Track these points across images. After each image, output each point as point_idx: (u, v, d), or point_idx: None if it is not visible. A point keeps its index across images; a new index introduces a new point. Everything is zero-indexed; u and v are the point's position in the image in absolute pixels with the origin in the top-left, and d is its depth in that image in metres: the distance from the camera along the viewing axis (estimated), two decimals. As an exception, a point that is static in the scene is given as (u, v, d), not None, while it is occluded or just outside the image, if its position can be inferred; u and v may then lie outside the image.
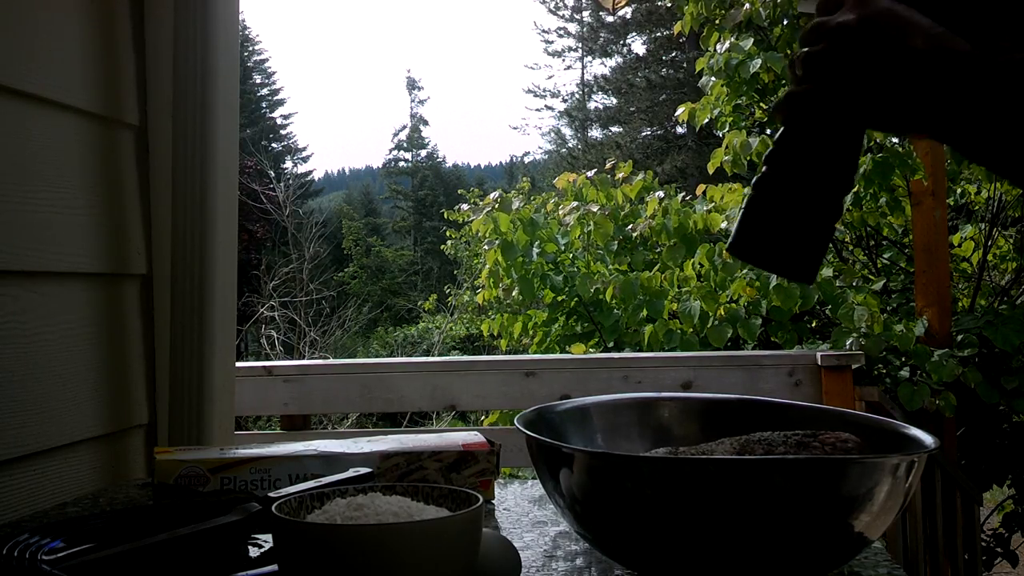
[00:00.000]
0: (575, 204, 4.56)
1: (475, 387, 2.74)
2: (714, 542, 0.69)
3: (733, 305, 3.81)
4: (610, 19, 23.58)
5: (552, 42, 26.97)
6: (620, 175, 4.82)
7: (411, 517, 0.65)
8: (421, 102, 42.35)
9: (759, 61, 4.27)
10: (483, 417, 4.46)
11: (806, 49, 0.61)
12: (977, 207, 4.70)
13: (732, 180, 4.71)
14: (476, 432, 1.16)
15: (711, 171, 4.26)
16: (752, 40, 4.37)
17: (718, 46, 4.47)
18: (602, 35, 24.81)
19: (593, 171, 4.87)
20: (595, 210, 4.43)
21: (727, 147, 4.12)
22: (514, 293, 4.51)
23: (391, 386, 2.68)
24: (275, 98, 31.77)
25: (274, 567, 0.74)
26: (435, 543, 0.63)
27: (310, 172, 33.20)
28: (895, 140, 3.86)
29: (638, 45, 23.63)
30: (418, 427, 7.77)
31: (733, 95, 4.52)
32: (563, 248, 4.60)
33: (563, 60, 27.15)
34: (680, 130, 20.60)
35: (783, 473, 0.68)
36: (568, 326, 4.55)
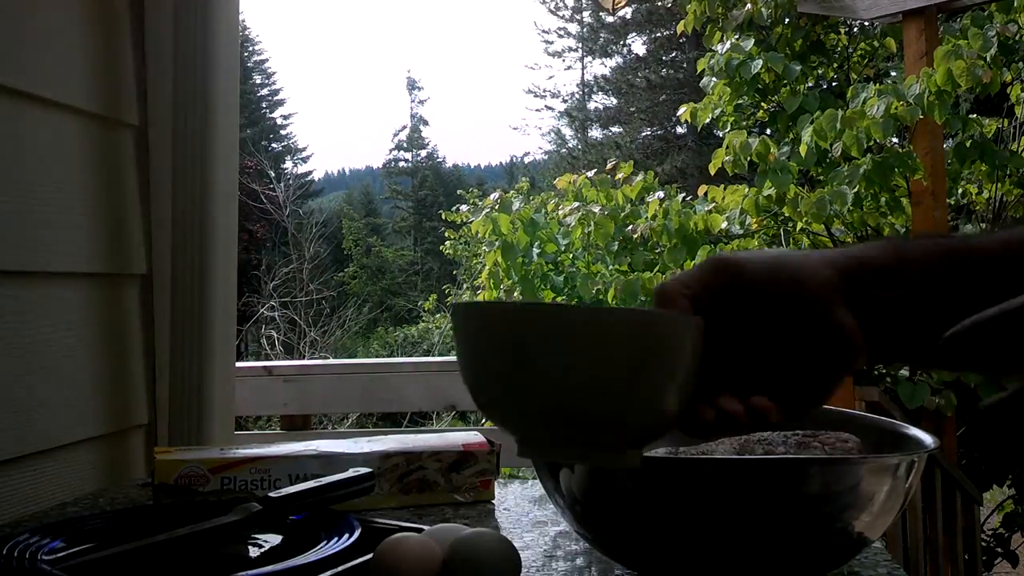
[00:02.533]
0: (576, 204, 4.56)
1: (475, 387, 2.74)
2: (714, 542, 0.69)
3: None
4: (610, 19, 23.59)
5: (552, 42, 27.00)
6: (621, 175, 4.83)
7: None
8: (421, 102, 42.39)
9: (760, 62, 4.28)
10: (483, 417, 4.45)
11: None
12: (978, 207, 4.71)
13: (733, 180, 4.71)
14: (476, 432, 1.16)
15: (712, 171, 4.26)
16: (753, 40, 4.38)
17: (719, 46, 4.48)
18: (602, 35, 24.82)
19: (594, 171, 4.88)
20: (596, 210, 4.43)
21: (728, 147, 4.12)
22: (515, 294, 4.51)
23: (391, 386, 2.68)
24: (275, 98, 31.78)
25: (274, 567, 0.74)
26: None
27: (310, 172, 33.24)
28: (895, 140, 3.87)
29: (638, 45, 23.65)
30: (418, 427, 7.77)
31: (734, 95, 4.53)
32: (563, 248, 4.60)
33: (563, 60, 27.17)
34: (680, 130, 20.62)
35: (783, 473, 0.68)
36: (568, 326, 4.54)
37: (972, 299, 0.55)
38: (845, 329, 0.59)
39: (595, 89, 25.66)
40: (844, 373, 0.61)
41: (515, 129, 60.71)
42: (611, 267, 4.55)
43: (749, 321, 0.60)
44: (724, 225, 4.24)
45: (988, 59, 3.61)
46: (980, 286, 0.58)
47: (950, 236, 0.64)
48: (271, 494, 0.84)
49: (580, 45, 26.41)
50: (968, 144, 4.10)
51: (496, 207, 4.65)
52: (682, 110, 4.76)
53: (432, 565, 0.71)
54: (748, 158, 4.04)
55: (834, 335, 0.59)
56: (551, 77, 42.81)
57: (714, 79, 4.55)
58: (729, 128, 4.50)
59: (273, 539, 0.84)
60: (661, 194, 4.55)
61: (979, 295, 0.55)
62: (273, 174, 14.99)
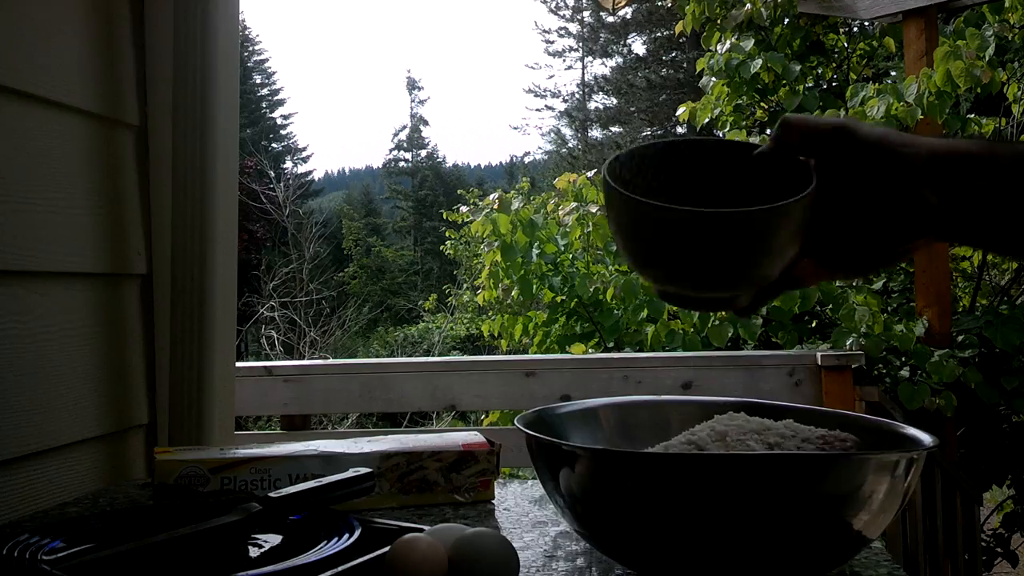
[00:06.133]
0: (574, 205, 4.55)
1: (475, 387, 2.74)
2: (714, 541, 0.69)
3: (733, 305, 3.80)
4: (610, 19, 23.59)
5: (553, 42, 27.01)
6: (620, 175, 4.82)
7: None
8: (421, 102, 42.42)
9: (760, 61, 4.27)
10: (483, 417, 4.46)
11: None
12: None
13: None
14: (476, 432, 1.16)
15: (711, 171, 4.25)
16: (753, 40, 4.38)
17: (719, 46, 4.47)
18: (602, 35, 24.82)
19: (593, 171, 4.87)
20: (594, 211, 4.42)
21: (727, 147, 4.11)
22: (513, 293, 4.51)
23: (391, 386, 2.68)
24: (275, 98, 31.79)
25: (274, 567, 0.74)
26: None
27: (310, 172, 33.25)
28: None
29: (638, 45, 23.66)
30: (418, 427, 7.77)
31: (734, 95, 4.53)
32: (563, 249, 4.60)
33: (563, 60, 27.19)
34: (680, 130, 20.60)
35: (781, 470, 0.68)
36: (568, 326, 4.55)
37: None
38: (927, 204, 0.66)
39: (595, 89, 25.67)
40: (914, 243, 0.70)
41: (515, 129, 60.79)
42: (611, 267, 4.54)
43: (849, 180, 0.68)
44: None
45: (986, 59, 3.61)
46: None
47: None
48: (271, 494, 0.84)
49: (580, 45, 26.41)
50: (965, 144, 4.09)
51: (495, 207, 4.64)
52: (681, 110, 4.76)
53: (442, 565, 0.71)
54: (748, 158, 4.04)
55: (917, 207, 0.66)
56: (551, 77, 42.85)
57: (713, 79, 4.55)
58: (729, 128, 4.50)
59: (273, 539, 0.84)
60: (661, 193, 4.54)
61: None
62: (273, 174, 14.99)
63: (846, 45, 4.93)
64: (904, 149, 0.67)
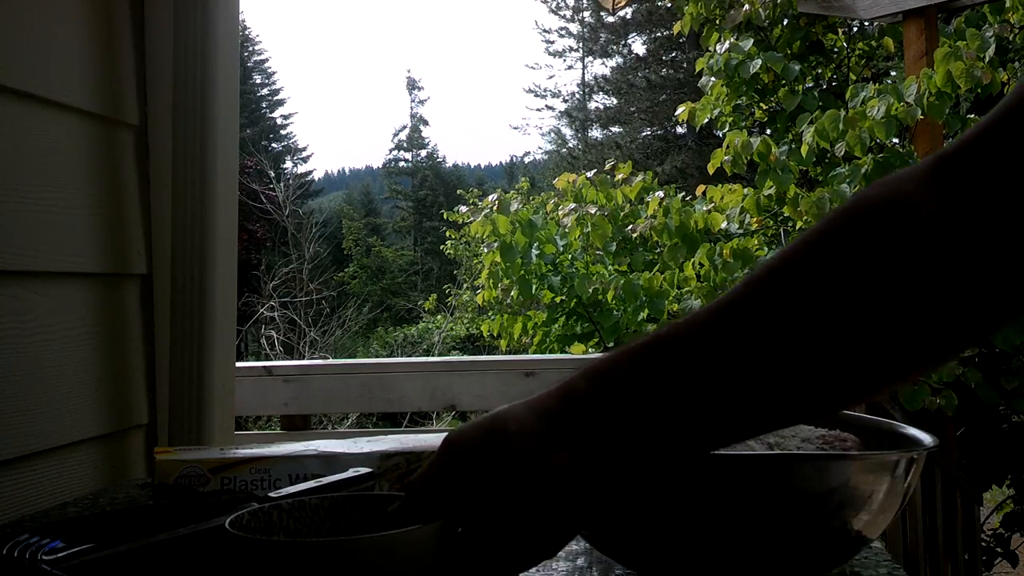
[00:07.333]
0: (573, 206, 4.56)
1: (475, 387, 2.74)
2: (713, 541, 0.69)
3: (733, 305, 3.81)
4: (610, 19, 23.60)
5: (553, 42, 27.01)
6: (620, 176, 4.83)
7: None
8: (421, 102, 42.40)
9: (759, 61, 4.28)
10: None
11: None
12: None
13: (732, 180, 4.71)
14: (476, 432, 1.16)
15: (711, 171, 4.27)
16: (752, 40, 4.38)
17: (718, 46, 4.48)
18: (603, 35, 24.82)
19: (593, 171, 4.88)
20: (593, 212, 4.43)
21: (727, 147, 4.12)
22: (512, 293, 4.51)
23: (391, 386, 2.68)
24: (275, 98, 31.79)
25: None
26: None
27: (310, 172, 33.23)
28: (895, 140, 3.87)
29: (638, 45, 23.66)
30: (418, 427, 7.77)
31: (733, 95, 4.53)
32: (562, 250, 4.60)
33: (564, 60, 27.18)
34: (680, 130, 20.62)
35: (780, 470, 0.68)
36: (568, 326, 4.55)
37: (684, 392, 0.59)
38: (555, 472, 0.59)
39: (595, 89, 25.66)
40: (577, 514, 0.61)
41: (515, 129, 60.76)
42: (610, 267, 4.55)
43: (478, 490, 0.61)
44: (724, 225, 4.24)
45: (986, 60, 3.61)
46: (685, 376, 0.59)
47: (674, 323, 0.62)
48: (271, 494, 0.84)
49: (580, 45, 26.42)
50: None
51: (494, 208, 4.65)
52: (680, 110, 4.76)
53: None
54: (748, 157, 4.04)
55: (548, 481, 0.59)
56: (552, 77, 42.68)
57: (712, 79, 4.56)
58: (728, 128, 4.50)
59: (273, 539, 0.84)
60: (661, 193, 4.55)
61: (687, 386, 0.59)
62: (273, 174, 14.99)
63: (845, 45, 4.93)
64: (504, 431, 0.61)
